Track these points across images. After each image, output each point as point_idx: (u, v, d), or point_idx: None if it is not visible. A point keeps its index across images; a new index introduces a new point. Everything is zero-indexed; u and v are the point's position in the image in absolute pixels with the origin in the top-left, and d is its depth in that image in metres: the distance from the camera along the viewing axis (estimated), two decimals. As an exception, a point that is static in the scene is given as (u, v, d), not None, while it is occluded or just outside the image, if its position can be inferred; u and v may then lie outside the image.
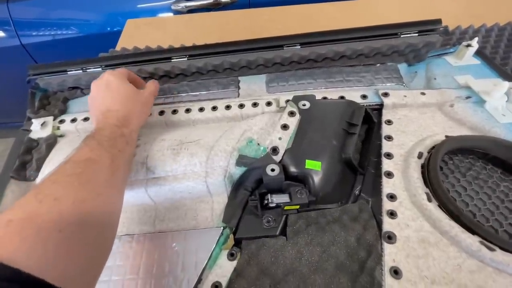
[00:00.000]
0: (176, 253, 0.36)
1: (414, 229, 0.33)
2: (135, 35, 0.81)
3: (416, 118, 0.44)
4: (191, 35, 0.76)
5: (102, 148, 0.33)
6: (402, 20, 0.51)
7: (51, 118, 0.51)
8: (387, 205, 0.36)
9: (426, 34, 0.51)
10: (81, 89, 0.57)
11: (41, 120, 0.51)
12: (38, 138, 0.49)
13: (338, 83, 0.51)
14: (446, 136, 0.40)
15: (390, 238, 0.33)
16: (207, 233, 0.37)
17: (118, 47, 0.74)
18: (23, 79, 0.55)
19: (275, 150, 0.39)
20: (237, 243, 0.36)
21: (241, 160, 0.39)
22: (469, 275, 0.30)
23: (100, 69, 0.53)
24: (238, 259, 0.35)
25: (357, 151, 0.44)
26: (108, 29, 1.02)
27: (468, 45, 0.52)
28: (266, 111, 0.47)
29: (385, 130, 0.43)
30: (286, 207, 0.37)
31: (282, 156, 0.39)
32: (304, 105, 0.45)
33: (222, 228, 0.37)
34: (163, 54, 0.53)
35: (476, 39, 0.52)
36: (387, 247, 0.32)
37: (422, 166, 0.38)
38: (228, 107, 0.48)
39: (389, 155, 0.40)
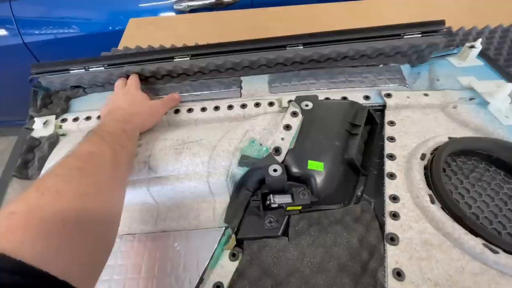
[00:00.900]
0: (177, 253, 0.36)
1: (417, 231, 0.33)
2: (137, 34, 0.81)
3: (419, 119, 0.44)
4: (194, 35, 0.76)
5: (105, 143, 0.34)
6: (406, 21, 0.51)
7: (53, 117, 0.52)
8: (389, 206, 0.36)
9: (429, 35, 0.50)
10: (83, 88, 0.57)
11: (44, 119, 0.51)
12: (40, 137, 0.50)
13: (340, 83, 0.51)
14: (449, 138, 0.40)
15: (393, 239, 0.33)
16: (209, 233, 0.37)
17: (120, 46, 0.74)
18: (25, 78, 0.55)
19: (277, 150, 0.39)
20: (239, 243, 0.36)
21: (244, 160, 0.39)
22: (472, 278, 0.30)
23: (102, 68, 0.53)
24: (240, 260, 0.35)
25: (359, 152, 0.44)
26: (110, 28, 1.02)
27: (472, 46, 0.52)
28: (268, 111, 0.47)
29: (388, 131, 0.43)
30: (288, 208, 0.37)
31: (285, 157, 0.39)
32: (306, 105, 0.44)
33: (224, 228, 0.37)
34: (165, 54, 0.53)
35: (480, 40, 0.52)
36: (389, 249, 0.32)
37: (425, 168, 0.38)
38: (230, 107, 0.48)
39: (391, 156, 0.40)
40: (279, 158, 0.38)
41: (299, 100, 0.45)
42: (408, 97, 0.46)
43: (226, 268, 0.34)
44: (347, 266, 0.33)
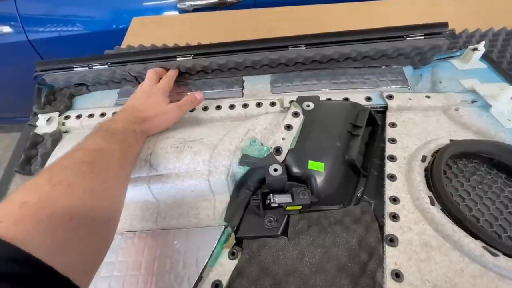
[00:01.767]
0: (177, 250, 0.36)
1: (417, 233, 0.33)
2: (140, 33, 0.82)
3: (420, 121, 0.44)
4: (197, 34, 0.77)
5: (115, 141, 0.34)
6: (409, 23, 0.51)
7: (56, 114, 0.52)
8: (389, 207, 0.36)
9: (432, 37, 0.50)
10: (86, 86, 0.57)
11: (47, 115, 0.51)
12: (43, 134, 0.50)
13: (342, 84, 0.51)
14: (451, 140, 0.40)
15: (392, 241, 0.33)
16: (208, 231, 0.37)
17: (123, 45, 0.75)
18: (29, 75, 0.55)
19: (278, 150, 0.39)
20: (239, 242, 0.36)
21: (244, 159, 0.39)
22: (472, 280, 0.30)
23: (105, 66, 0.53)
24: (239, 258, 0.35)
25: (360, 153, 0.44)
26: (114, 26, 1.03)
27: (475, 49, 0.52)
28: (270, 111, 0.47)
29: (389, 132, 0.43)
30: (288, 208, 0.37)
31: (285, 157, 0.39)
32: (308, 106, 0.45)
33: (223, 227, 0.37)
34: (168, 53, 0.53)
35: (483, 43, 0.52)
36: (389, 250, 0.32)
37: (426, 170, 0.38)
38: (232, 106, 0.48)
39: (392, 158, 0.40)
40: (280, 158, 0.39)
41: (300, 100, 0.45)
42: (410, 99, 0.46)
43: (225, 267, 0.34)
44: (346, 266, 0.33)
